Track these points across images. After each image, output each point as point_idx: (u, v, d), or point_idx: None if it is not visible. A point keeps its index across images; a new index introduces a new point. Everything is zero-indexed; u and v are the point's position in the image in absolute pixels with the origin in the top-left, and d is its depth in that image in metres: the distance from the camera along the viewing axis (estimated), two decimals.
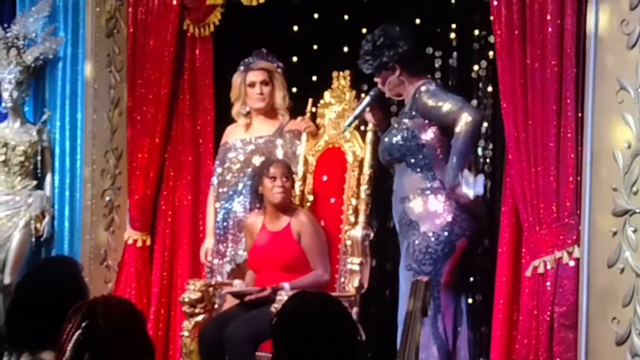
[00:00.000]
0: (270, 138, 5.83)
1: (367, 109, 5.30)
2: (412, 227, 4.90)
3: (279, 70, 5.85)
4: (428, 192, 4.89)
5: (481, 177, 4.89)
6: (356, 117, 5.35)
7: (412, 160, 4.95)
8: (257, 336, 5.10)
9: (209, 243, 5.94)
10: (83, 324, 2.58)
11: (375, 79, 5.15)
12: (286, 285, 5.18)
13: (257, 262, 5.45)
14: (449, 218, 4.85)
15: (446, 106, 4.88)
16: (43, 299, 3.16)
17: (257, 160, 5.75)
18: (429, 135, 4.94)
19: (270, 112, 5.86)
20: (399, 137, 4.98)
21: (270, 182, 5.41)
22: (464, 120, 4.81)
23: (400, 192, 4.99)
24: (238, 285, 5.41)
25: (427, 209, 4.89)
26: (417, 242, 4.86)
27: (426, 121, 4.94)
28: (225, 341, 5.14)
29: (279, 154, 5.76)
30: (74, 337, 2.57)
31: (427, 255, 4.85)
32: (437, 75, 5.78)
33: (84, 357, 2.56)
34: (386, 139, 5.05)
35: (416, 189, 4.92)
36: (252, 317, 5.19)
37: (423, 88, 4.97)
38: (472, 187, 4.81)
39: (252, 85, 5.81)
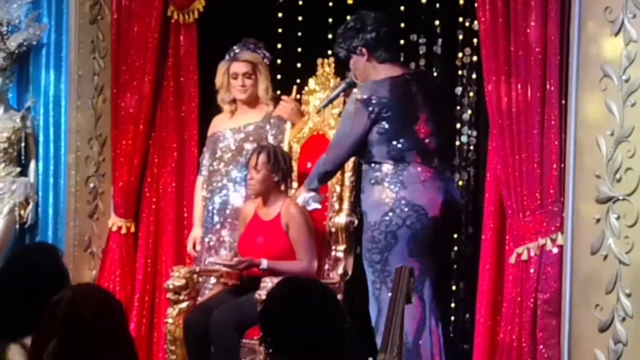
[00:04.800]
0: (259, 124, 5.83)
1: (342, 94, 5.29)
2: (365, 217, 4.93)
3: (265, 60, 5.84)
4: (374, 182, 4.89)
5: (315, 199, 5.08)
6: (330, 101, 5.36)
7: (363, 152, 4.96)
8: (242, 323, 5.10)
9: (196, 232, 5.93)
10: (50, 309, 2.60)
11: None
12: (264, 261, 5.18)
13: (246, 249, 5.43)
14: (387, 208, 4.81)
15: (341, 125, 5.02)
16: (23, 286, 3.16)
17: (249, 146, 5.76)
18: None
19: (254, 101, 5.86)
20: None
21: (248, 173, 5.43)
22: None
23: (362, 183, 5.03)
24: (223, 256, 5.39)
25: (373, 199, 4.89)
26: (365, 232, 4.89)
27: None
28: (210, 328, 5.14)
29: (270, 139, 5.76)
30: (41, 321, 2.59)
31: (373, 244, 4.85)
32: (422, 62, 5.79)
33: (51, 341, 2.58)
34: None
35: (368, 180, 4.92)
36: (238, 303, 5.18)
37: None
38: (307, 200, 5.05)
39: (235, 76, 5.80)
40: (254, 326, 5.04)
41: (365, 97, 4.84)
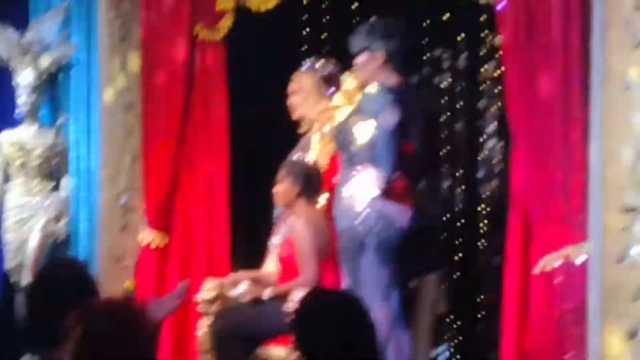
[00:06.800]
0: (307, 136, 5.88)
1: None
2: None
3: (321, 76, 5.83)
4: (349, 184, 5.05)
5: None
6: None
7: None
8: (243, 331, 5.22)
9: None
10: (82, 325, 2.67)
11: (355, 61, 5.17)
12: (265, 293, 5.27)
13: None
14: (356, 214, 4.93)
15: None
16: (52, 300, 3.22)
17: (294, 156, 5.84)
18: None
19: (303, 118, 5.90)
20: None
21: None
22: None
23: None
24: (241, 288, 5.44)
25: (344, 204, 5.07)
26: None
27: None
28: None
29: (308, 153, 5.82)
30: (74, 336, 2.66)
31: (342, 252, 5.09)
32: (445, 76, 5.83)
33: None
34: None
35: (345, 182, 5.09)
36: (244, 313, 5.28)
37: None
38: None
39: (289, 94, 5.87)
40: (267, 337, 5.20)
41: (390, 92, 4.91)
